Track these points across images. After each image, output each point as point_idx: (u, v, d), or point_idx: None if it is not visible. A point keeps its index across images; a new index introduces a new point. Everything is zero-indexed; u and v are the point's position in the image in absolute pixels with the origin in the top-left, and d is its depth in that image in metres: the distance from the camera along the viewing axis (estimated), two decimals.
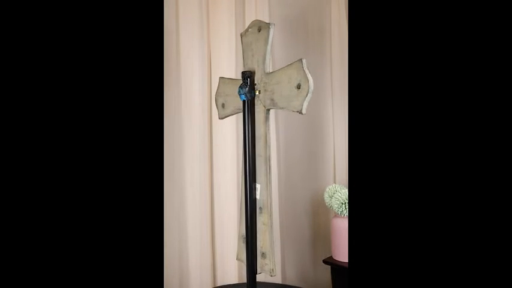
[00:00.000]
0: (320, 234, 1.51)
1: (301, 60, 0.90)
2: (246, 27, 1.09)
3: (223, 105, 1.16)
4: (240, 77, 1.04)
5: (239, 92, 1.01)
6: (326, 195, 1.30)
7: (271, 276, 1.00)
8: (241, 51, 1.10)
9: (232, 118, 1.35)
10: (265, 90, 1.00)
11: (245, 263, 1.06)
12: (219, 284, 1.36)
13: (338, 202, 1.23)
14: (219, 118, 1.18)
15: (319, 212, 1.51)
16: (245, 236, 1.04)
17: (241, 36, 1.10)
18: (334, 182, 1.49)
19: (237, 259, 1.13)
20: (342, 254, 1.24)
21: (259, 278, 1.05)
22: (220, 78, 1.18)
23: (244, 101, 1.02)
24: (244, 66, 1.09)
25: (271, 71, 1.01)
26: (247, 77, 1.02)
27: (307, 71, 0.89)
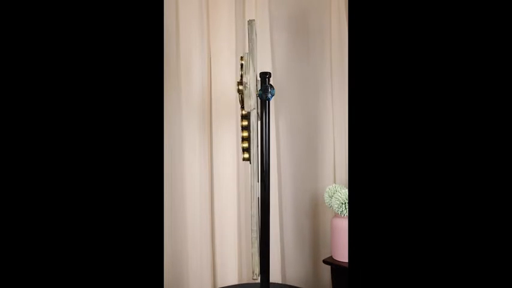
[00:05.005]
0: (320, 234, 1.51)
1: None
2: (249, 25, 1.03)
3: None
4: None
5: (273, 92, 1.02)
6: (326, 195, 1.29)
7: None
8: (247, 46, 1.02)
9: (232, 117, 1.35)
10: None
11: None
12: (219, 285, 1.36)
13: (338, 202, 1.23)
14: (249, 110, 0.97)
15: (319, 212, 1.51)
16: (257, 245, 1.03)
17: (252, 24, 0.98)
18: (334, 182, 1.49)
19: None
20: (342, 254, 1.24)
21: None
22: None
23: (266, 101, 1.03)
24: (251, 59, 0.98)
25: None
26: (268, 77, 1.04)
27: None
